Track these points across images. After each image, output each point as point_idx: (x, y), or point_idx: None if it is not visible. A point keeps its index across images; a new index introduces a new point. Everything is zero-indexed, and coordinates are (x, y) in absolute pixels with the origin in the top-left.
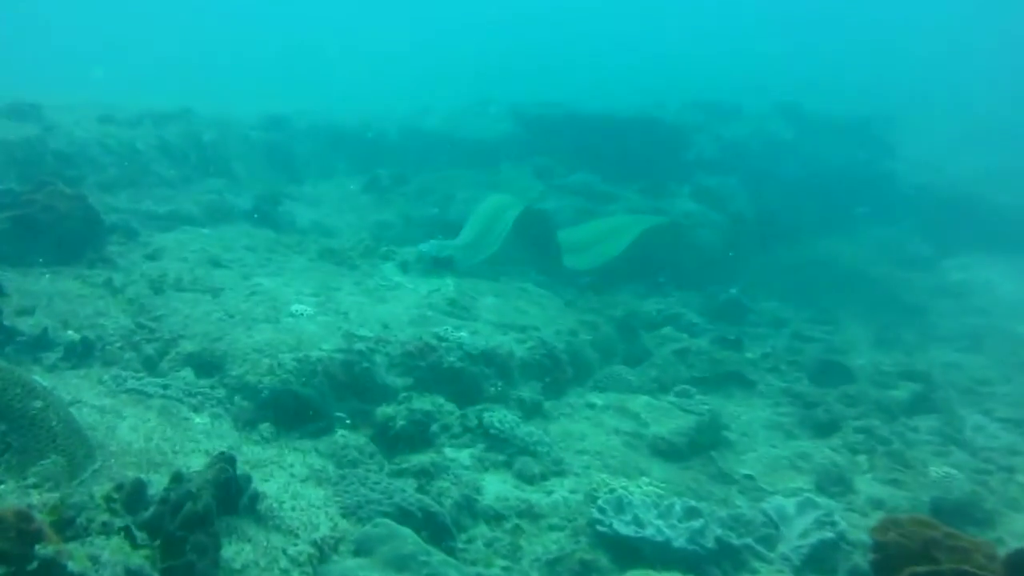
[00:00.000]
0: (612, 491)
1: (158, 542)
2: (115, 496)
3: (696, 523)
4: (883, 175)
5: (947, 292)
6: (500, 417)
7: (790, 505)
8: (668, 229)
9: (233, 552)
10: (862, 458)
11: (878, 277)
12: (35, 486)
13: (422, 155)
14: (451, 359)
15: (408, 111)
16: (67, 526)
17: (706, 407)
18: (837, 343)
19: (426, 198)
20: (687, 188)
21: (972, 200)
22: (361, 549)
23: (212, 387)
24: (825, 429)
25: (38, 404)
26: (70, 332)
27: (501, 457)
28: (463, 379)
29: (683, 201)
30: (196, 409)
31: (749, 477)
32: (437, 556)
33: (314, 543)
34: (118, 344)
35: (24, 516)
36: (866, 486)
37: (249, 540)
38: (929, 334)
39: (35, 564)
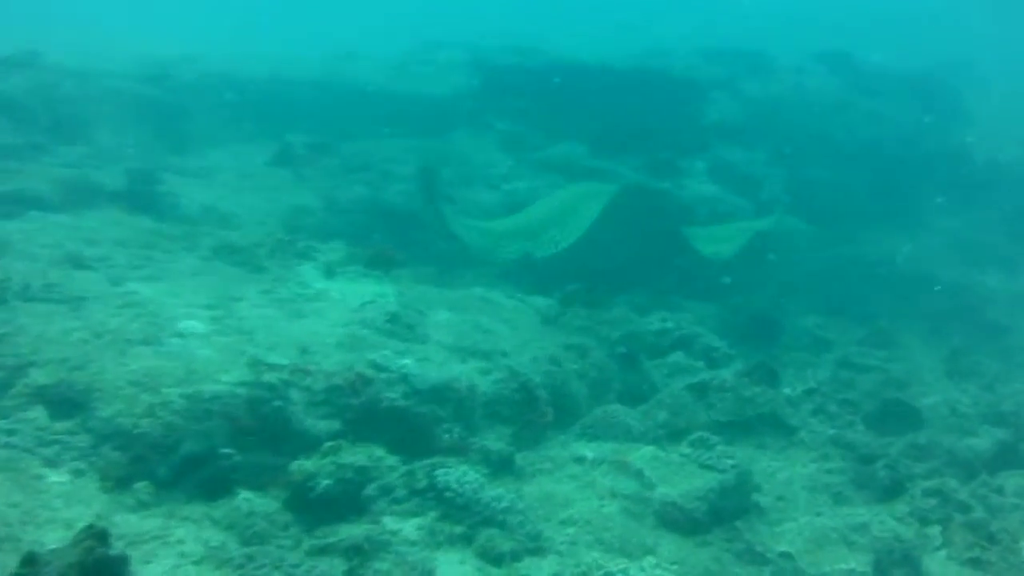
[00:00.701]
0: None
1: None
2: None
3: None
4: (956, 148)
5: None
6: (458, 475)
7: None
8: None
9: None
10: (934, 530)
11: (950, 284)
12: None
13: (350, 117)
14: (392, 396)
15: (328, 56)
16: None
17: (731, 462)
18: (898, 374)
19: (356, 175)
20: (702, 163)
21: None
22: None
23: (72, 432)
24: (886, 491)
25: None
26: None
27: (459, 529)
28: (409, 423)
29: (698, 181)
30: (52, 463)
31: (787, 556)
32: None
33: None
34: None
35: None
36: (939, 567)
37: None
38: (1018, 361)
39: None
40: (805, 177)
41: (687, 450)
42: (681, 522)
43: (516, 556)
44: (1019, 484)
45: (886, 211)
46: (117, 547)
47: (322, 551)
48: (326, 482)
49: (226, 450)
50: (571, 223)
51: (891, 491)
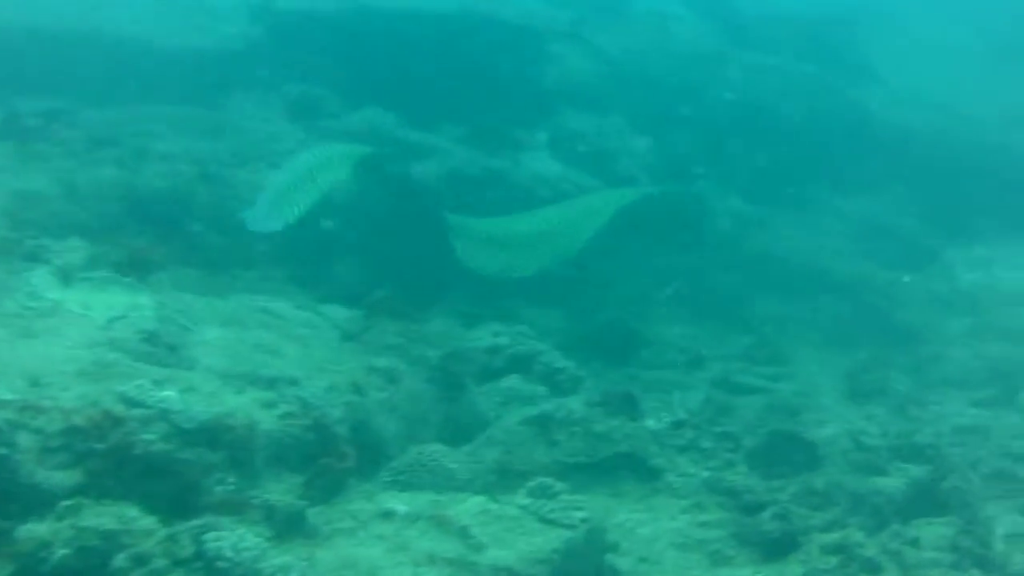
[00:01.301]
0: None
1: None
2: None
3: None
4: (858, 110)
5: (958, 304)
6: (233, 540)
7: None
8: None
9: None
10: None
11: (849, 281)
12: None
13: (94, 77)
14: (149, 438)
15: None
16: None
17: (580, 514)
18: (789, 396)
19: (103, 151)
20: (543, 134)
21: (998, 154)
22: None
23: None
24: (776, 548)
25: None
26: None
27: None
28: (170, 473)
29: (538, 157)
30: None
31: None
32: None
33: None
34: None
35: None
36: None
37: None
38: (932, 377)
39: None
40: (673, 149)
41: (525, 500)
42: None
43: None
44: (939, 534)
45: (772, 188)
46: None
47: None
48: (63, 551)
49: None
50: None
51: (782, 547)
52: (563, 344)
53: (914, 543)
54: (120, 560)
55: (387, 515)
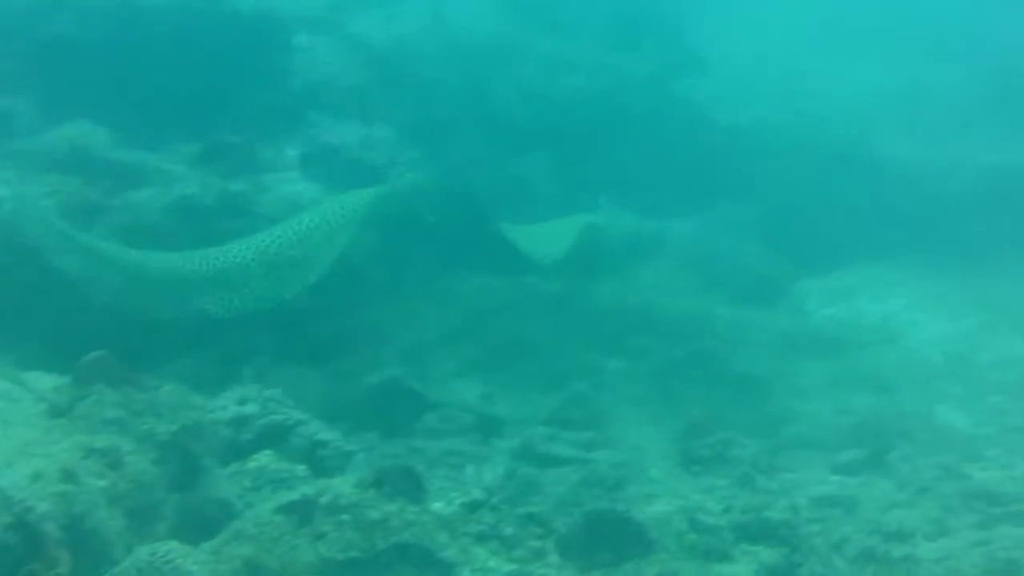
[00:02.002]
0: None
1: None
2: None
3: None
4: (680, 110)
5: (813, 346)
6: None
7: None
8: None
9: None
10: None
11: (679, 321)
12: None
13: None
14: None
15: None
16: None
17: None
18: (608, 467)
19: None
20: (294, 149)
21: (848, 159)
22: None
23: None
24: None
25: None
26: None
27: None
28: None
29: (287, 178)
30: None
31: None
32: None
33: None
34: None
35: None
36: None
37: None
38: (783, 436)
39: None
40: (454, 161)
41: None
42: None
43: None
44: None
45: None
46: None
47: None
48: None
49: None
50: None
51: None
52: (326, 411)
53: None
54: None
55: None
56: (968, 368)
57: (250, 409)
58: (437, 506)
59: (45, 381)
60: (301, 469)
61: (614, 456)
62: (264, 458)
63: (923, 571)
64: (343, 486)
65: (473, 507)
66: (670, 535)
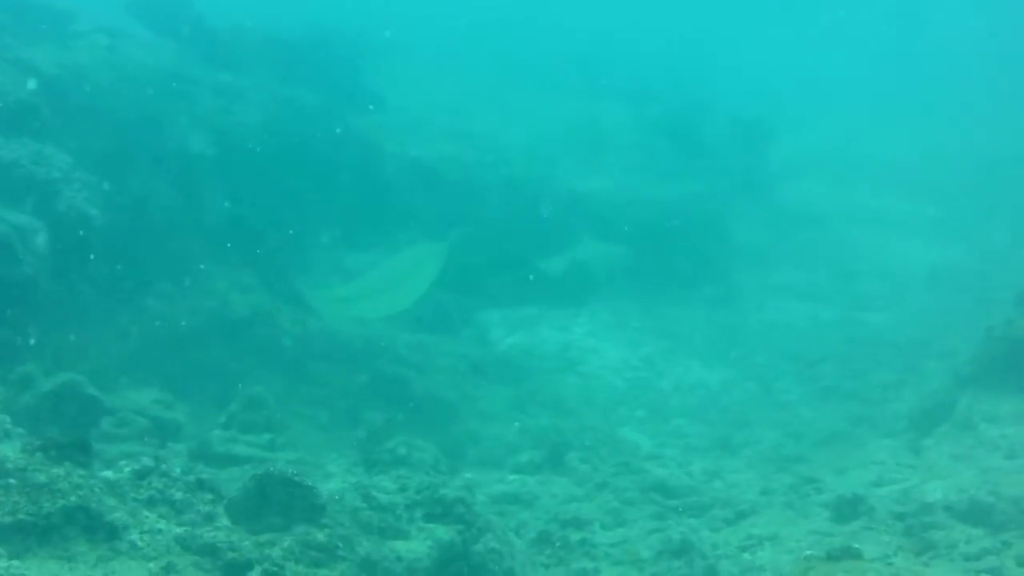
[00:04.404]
0: None
1: None
2: None
3: None
4: (355, 144)
5: (496, 371)
6: None
7: None
8: None
9: None
10: None
11: (363, 347)
12: None
13: None
14: None
15: None
16: None
17: None
18: (286, 464)
19: None
20: None
21: (537, 193)
22: None
23: None
24: None
25: None
26: None
27: None
28: None
29: None
30: None
31: None
32: None
33: None
34: None
35: None
36: None
37: None
38: (465, 451)
39: None
40: (128, 185)
41: None
42: None
43: None
44: None
45: (239, 246)
46: None
47: None
48: None
49: None
50: None
51: None
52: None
53: None
54: None
55: None
56: (649, 393)
57: None
58: (107, 474)
59: None
60: None
61: (293, 455)
62: None
63: (600, 553)
64: (9, 452)
65: (142, 474)
66: (344, 508)
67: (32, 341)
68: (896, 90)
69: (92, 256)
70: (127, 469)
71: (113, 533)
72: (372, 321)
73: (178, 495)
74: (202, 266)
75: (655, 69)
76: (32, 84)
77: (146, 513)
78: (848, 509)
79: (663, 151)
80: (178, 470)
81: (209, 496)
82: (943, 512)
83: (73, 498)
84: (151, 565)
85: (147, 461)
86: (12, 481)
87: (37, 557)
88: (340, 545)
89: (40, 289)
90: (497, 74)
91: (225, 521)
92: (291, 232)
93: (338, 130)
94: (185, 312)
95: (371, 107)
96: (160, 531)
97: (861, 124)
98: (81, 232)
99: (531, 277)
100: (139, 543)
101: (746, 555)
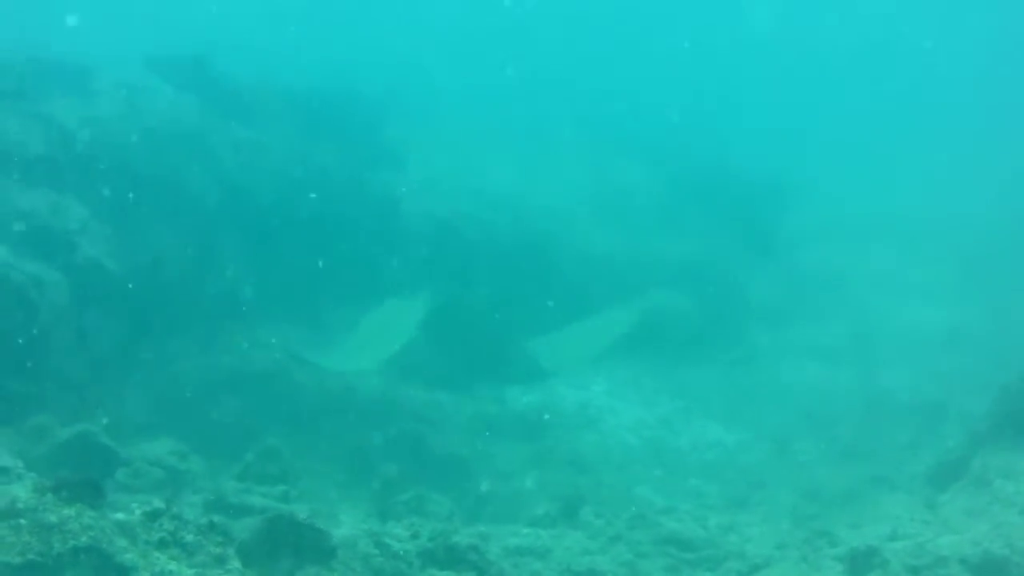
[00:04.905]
0: None
1: None
2: None
3: None
4: (380, 199)
5: (512, 429)
6: None
7: None
8: None
9: None
10: None
11: (378, 402)
12: None
13: None
14: None
15: None
16: None
17: None
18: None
19: None
20: None
21: (554, 251)
22: None
23: None
24: None
25: None
26: None
27: None
28: None
29: None
30: None
31: None
32: None
33: None
34: None
35: None
36: None
37: None
38: (481, 506)
39: None
40: (145, 239)
41: None
42: None
43: None
44: None
45: (268, 298)
46: None
47: None
48: None
49: None
50: None
51: None
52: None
53: None
54: None
55: None
56: (666, 452)
57: None
58: (119, 516)
59: None
60: None
61: (307, 507)
62: None
63: None
64: (21, 491)
65: (154, 516)
66: (355, 556)
67: (48, 392)
68: (921, 149)
69: (109, 308)
70: (138, 511)
71: (123, 574)
72: (387, 377)
73: (189, 537)
74: (219, 322)
75: (675, 129)
76: (52, 136)
77: (157, 555)
78: (862, 562)
79: (681, 211)
80: (190, 513)
81: (220, 539)
82: (958, 565)
83: (84, 539)
84: None
85: (159, 504)
86: (23, 521)
87: None
88: None
89: (56, 340)
90: (514, 135)
91: (236, 564)
92: (304, 289)
93: (355, 187)
94: (202, 367)
95: (390, 165)
96: (171, 572)
97: (884, 184)
98: (98, 284)
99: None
100: None
101: None
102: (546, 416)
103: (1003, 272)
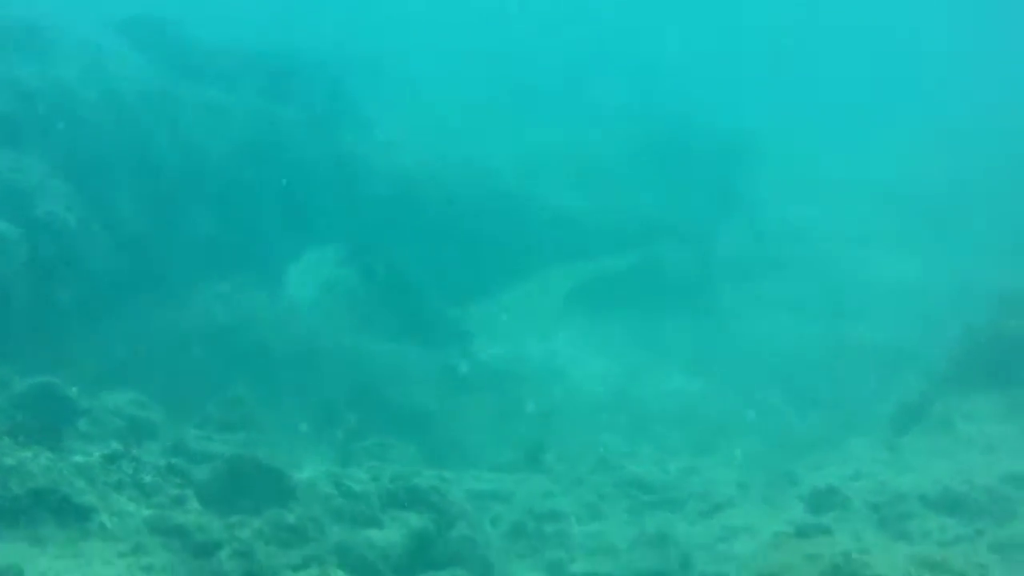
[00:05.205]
0: None
1: None
2: None
3: None
4: (341, 159)
5: (478, 380)
6: None
7: None
8: None
9: None
10: None
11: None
12: None
13: None
14: None
15: None
16: None
17: None
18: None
19: None
20: None
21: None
22: None
23: None
24: None
25: None
26: None
27: None
28: None
29: None
30: None
31: None
32: None
33: None
34: None
35: None
36: None
37: None
38: (445, 455)
39: None
40: (106, 197)
41: None
42: None
43: None
44: None
45: (239, 254)
46: None
47: None
48: None
49: None
50: None
51: None
52: None
53: None
54: None
55: None
56: (631, 401)
57: None
58: (77, 458)
59: None
60: None
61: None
62: None
63: (575, 544)
64: None
65: (113, 458)
66: (315, 496)
67: (7, 345)
68: (898, 109)
69: (69, 265)
70: (97, 454)
71: (83, 515)
72: (340, 327)
73: (148, 479)
74: (181, 277)
75: (645, 88)
76: (13, 96)
77: (116, 495)
78: (823, 500)
79: (648, 168)
80: (150, 458)
81: (179, 480)
82: (917, 501)
83: (42, 480)
84: (120, 546)
85: (117, 447)
86: None
87: (5, 540)
88: (311, 528)
89: (17, 294)
90: (483, 96)
91: (195, 504)
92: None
93: (319, 146)
94: (164, 321)
95: (355, 125)
96: (130, 513)
97: (854, 145)
98: (58, 240)
99: None
100: (108, 525)
101: (721, 545)
102: (512, 367)
103: (966, 227)
